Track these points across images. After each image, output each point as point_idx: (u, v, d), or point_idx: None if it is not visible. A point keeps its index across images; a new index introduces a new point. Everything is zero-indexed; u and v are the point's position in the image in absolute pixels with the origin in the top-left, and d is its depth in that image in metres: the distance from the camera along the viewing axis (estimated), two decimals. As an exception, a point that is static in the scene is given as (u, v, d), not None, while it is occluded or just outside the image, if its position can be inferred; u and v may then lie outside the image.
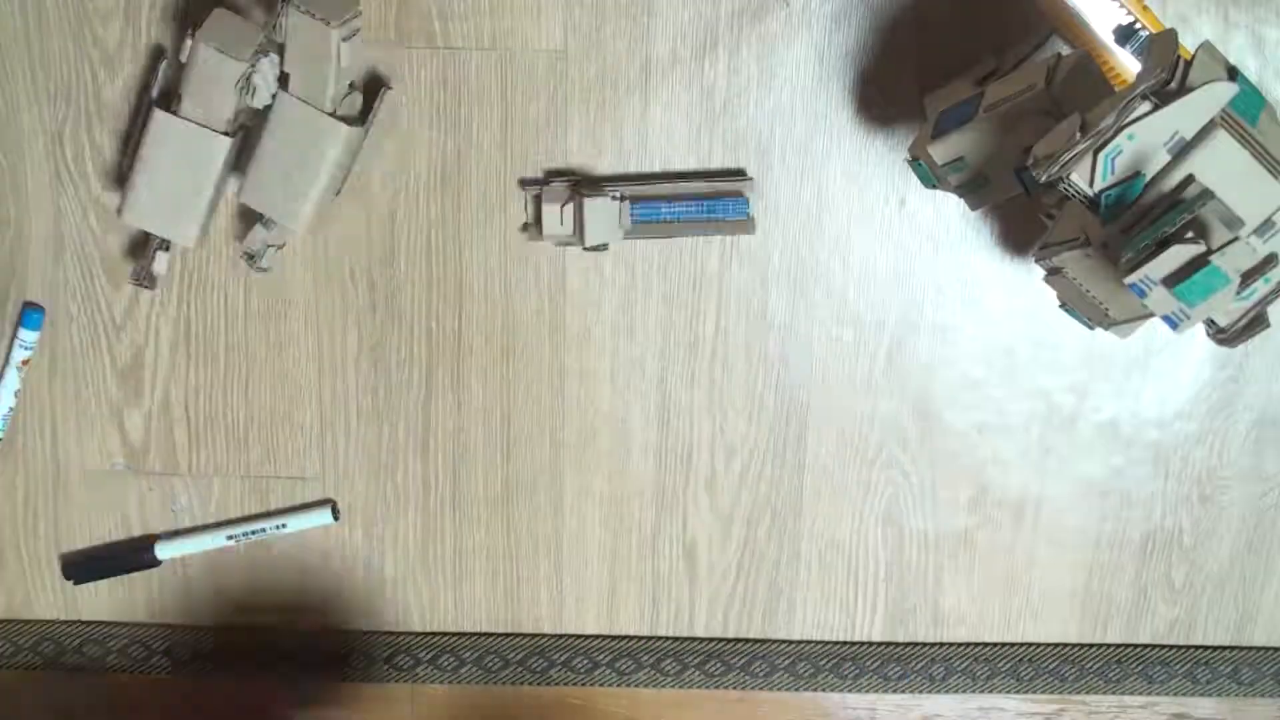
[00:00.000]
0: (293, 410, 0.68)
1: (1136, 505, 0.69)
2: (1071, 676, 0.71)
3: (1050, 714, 0.72)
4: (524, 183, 0.65)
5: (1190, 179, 0.46)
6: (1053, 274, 0.53)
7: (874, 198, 0.65)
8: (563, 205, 0.63)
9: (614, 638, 0.71)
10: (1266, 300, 0.49)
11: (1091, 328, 0.58)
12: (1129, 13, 0.56)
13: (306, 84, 0.59)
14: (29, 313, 0.66)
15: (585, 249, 0.63)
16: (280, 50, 0.59)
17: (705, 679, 0.71)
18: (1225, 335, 0.50)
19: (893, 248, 0.66)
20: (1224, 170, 0.46)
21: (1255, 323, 0.49)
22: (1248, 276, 0.47)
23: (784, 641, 0.71)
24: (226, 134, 0.60)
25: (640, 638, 0.71)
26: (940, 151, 0.55)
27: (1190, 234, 0.45)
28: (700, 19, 0.63)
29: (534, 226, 0.65)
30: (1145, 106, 0.46)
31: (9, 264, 0.66)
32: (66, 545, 0.70)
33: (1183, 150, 0.46)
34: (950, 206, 0.65)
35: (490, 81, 0.64)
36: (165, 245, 0.63)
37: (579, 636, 0.71)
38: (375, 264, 0.66)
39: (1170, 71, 0.46)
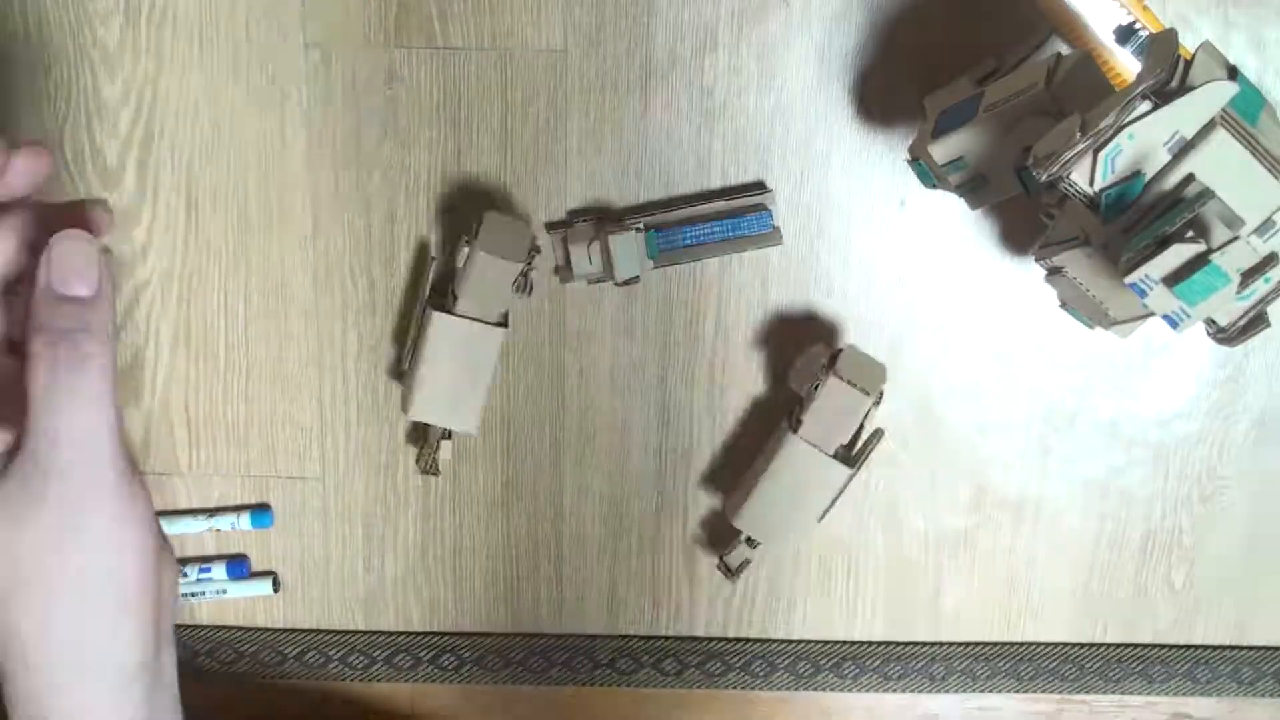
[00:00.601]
0: (293, 410, 0.68)
1: (1136, 505, 0.69)
2: (1071, 676, 0.71)
3: (1050, 714, 0.72)
4: (549, 226, 0.65)
5: (1190, 178, 0.46)
6: (1053, 274, 0.53)
7: (874, 198, 0.65)
8: (589, 244, 0.63)
9: (614, 638, 0.71)
10: (1267, 300, 0.49)
11: (1091, 327, 0.58)
12: (1129, 13, 0.56)
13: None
14: None
15: (617, 284, 0.64)
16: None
17: (705, 679, 0.71)
18: (1226, 335, 0.50)
19: (893, 248, 0.66)
20: (1224, 169, 0.46)
21: (1255, 322, 0.49)
22: (1248, 276, 0.47)
23: (784, 641, 0.71)
24: (501, 325, 0.63)
25: (640, 638, 0.71)
26: (940, 151, 0.55)
27: (1190, 233, 0.45)
28: (700, 19, 0.63)
29: (564, 269, 0.65)
30: (1145, 106, 0.46)
31: (9, 264, 0.66)
32: (66, 545, 0.70)
33: (1183, 150, 0.46)
34: (950, 206, 0.65)
35: (490, 81, 0.64)
36: (448, 434, 0.66)
37: (579, 636, 0.71)
38: (375, 264, 0.66)
39: (1170, 71, 0.46)
